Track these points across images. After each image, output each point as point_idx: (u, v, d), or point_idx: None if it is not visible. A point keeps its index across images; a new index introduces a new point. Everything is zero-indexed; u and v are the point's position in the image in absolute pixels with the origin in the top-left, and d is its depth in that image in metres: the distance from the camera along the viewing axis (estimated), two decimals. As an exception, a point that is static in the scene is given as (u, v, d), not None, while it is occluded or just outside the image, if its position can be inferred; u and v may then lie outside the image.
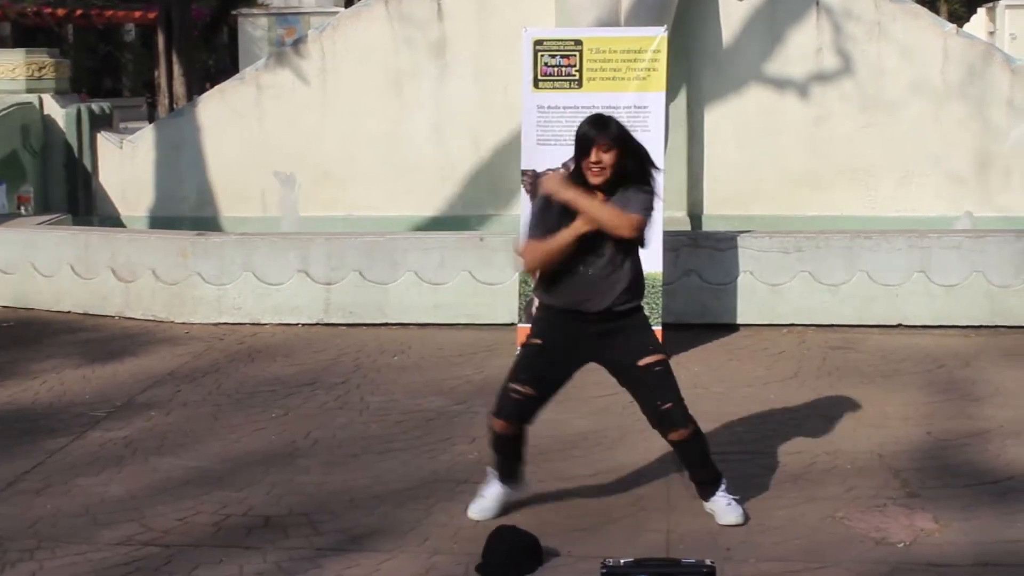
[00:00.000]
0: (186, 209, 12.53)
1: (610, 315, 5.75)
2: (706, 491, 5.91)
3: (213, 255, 10.04)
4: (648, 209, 5.70)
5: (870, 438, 6.95)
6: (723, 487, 5.91)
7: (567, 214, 5.65)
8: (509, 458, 5.93)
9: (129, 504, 6.12)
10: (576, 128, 5.74)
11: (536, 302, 6.03)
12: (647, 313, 8.77)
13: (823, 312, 9.61)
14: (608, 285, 5.74)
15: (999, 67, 11.59)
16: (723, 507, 5.84)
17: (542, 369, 5.84)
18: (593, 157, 5.61)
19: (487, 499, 5.95)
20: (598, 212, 5.61)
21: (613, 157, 5.62)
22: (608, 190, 5.66)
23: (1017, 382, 8.08)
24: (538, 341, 5.86)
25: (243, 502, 6.13)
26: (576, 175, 5.72)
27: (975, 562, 5.31)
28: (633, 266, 5.80)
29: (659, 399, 5.78)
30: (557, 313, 5.82)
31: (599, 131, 5.63)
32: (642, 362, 5.77)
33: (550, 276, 5.79)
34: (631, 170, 5.69)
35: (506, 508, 5.92)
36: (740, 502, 5.90)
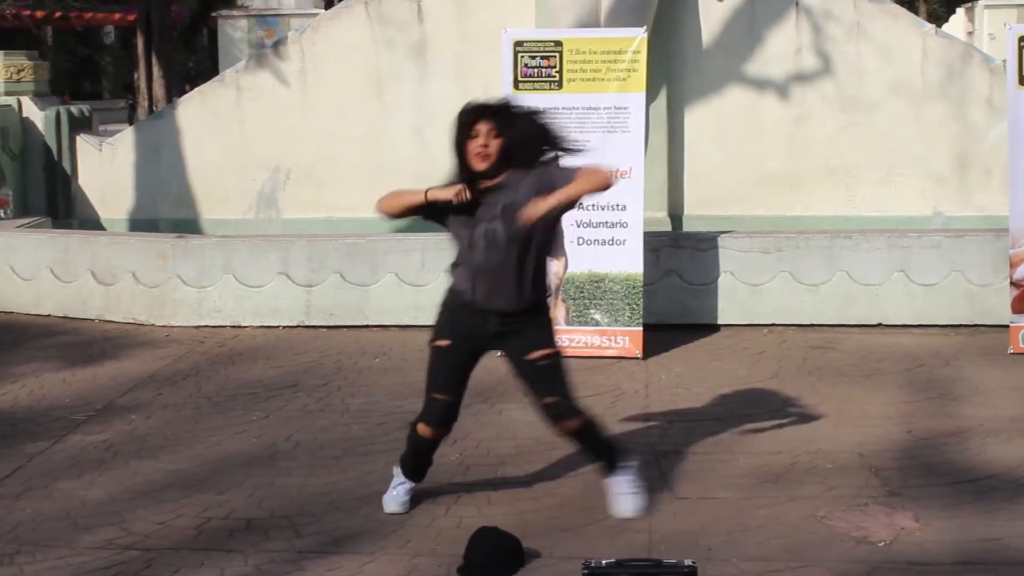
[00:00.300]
0: (166, 212, 12.50)
1: (514, 314, 5.77)
2: (607, 475, 6.00)
3: (193, 257, 10.02)
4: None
5: (851, 437, 6.97)
6: (626, 475, 5.95)
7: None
8: (422, 460, 6.06)
9: (109, 508, 6.10)
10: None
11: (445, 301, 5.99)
12: (629, 315, 8.84)
13: (804, 312, 9.63)
14: (520, 283, 5.72)
15: (978, 67, 11.63)
16: (620, 496, 5.91)
17: (454, 372, 5.90)
18: (482, 140, 5.58)
19: (400, 494, 6.02)
20: (575, 189, 5.50)
21: (498, 140, 5.58)
22: (492, 175, 5.62)
23: (996, 381, 8.11)
24: (447, 343, 5.87)
25: (224, 505, 6.11)
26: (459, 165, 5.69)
27: (955, 560, 5.32)
28: (539, 261, 5.77)
29: (543, 393, 5.83)
30: (458, 309, 5.82)
31: (479, 113, 5.61)
32: (530, 356, 5.80)
33: (464, 270, 5.78)
34: (517, 150, 5.62)
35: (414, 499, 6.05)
36: (642, 492, 5.96)
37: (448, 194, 5.64)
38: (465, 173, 5.69)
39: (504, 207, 5.62)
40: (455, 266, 5.87)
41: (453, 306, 5.89)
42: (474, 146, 5.62)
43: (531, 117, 5.73)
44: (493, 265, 5.69)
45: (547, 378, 5.82)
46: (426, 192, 5.72)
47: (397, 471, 6.10)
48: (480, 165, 5.63)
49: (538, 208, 5.46)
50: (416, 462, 6.07)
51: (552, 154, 5.75)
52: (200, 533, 5.79)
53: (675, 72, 11.71)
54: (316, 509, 6.04)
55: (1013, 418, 7.28)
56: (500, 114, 5.67)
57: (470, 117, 5.65)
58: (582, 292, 8.92)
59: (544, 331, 5.87)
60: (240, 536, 5.74)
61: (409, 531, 5.75)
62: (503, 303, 5.74)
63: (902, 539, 5.56)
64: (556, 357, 5.86)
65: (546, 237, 5.78)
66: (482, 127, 5.61)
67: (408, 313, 9.81)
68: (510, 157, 5.63)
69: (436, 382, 5.91)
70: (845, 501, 6.02)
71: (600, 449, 6.01)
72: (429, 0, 12.09)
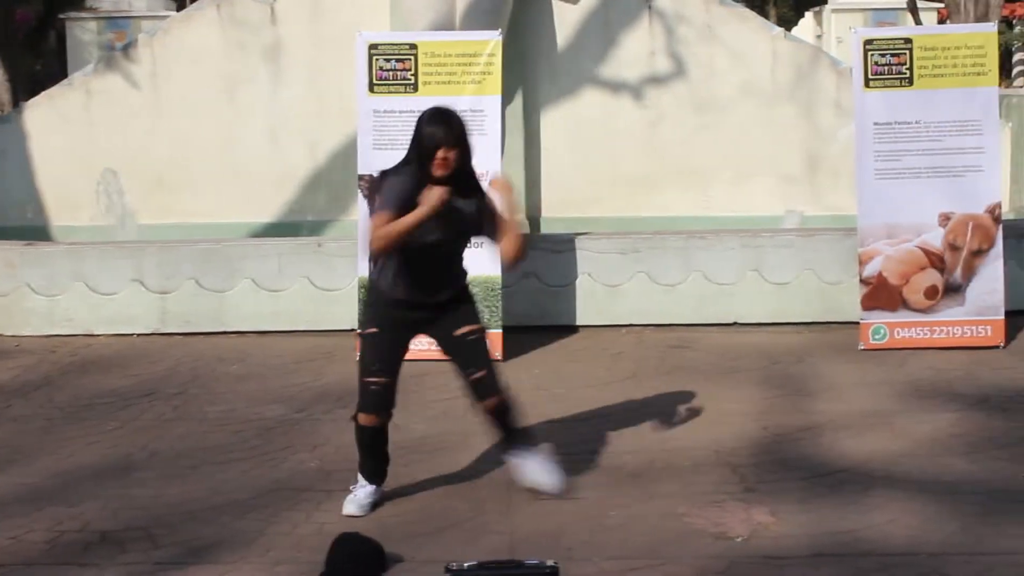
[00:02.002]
0: (13, 218, 12.18)
1: (447, 301, 6.01)
2: (510, 449, 6.20)
3: (43, 265, 9.80)
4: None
5: (708, 435, 7.06)
6: (541, 453, 6.21)
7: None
8: (376, 456, 6.11)
9: (-43, 524, 5.93)
10: (418, 122, 5.82)
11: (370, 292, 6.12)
12: (488, 316, 8.84)
13: (660, 312, 9.74)
14: (451, 275, 6.02)
15: (826, 70, 11.87)
16: (537, 472, 6.13)
17: (387, 355, 6.00)
18: (440, 155, 5.70)
19: (360, 497, 6.05)
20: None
21: (456, 155, 5.74)
22: (448, 182, 5.74)
23: (848, 376, 8.29)
24: (375, 330, 6.01)
25: (78, 518, 5.98)
26: (420, 169, 5.75)
27: (811, 553, 5.42)
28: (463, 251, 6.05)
29: (471, 367, 6.04)
30: (392, 302, 5.95)
31: (446, 131, 5.73)
32: (458, 332, 6.02)
33: (394, 269, 5.87)
34: (467, 164, 5.87)
35: (375, 505, 6.05)
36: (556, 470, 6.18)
37: (437, 198, 5.69)
38: (425, 179, 5.76)
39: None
40: (376, 263, 5.95)
41: (379, 302, 6.01)
42: (439, 157, 5.72)
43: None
44: (434, 268, 5.92)
45: (475, 353, 6.03)
46: (422, 207, 5.68)
47: (359, 477, 6.12)
48: (440, 173, 5.73)
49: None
50: (372, 460, 6.10)
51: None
52: (53, 547, 5.65)
53: (531, 75, 11.76)
54: (173, 519, 5.94)
55: (864, 413, 7.44)
56: (458, 131, 5.80)
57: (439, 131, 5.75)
58: (441, 295, 8.91)
59: (470, 309, 6.12)
60: (95, 549, 5.62)
61: (269, 539, 5.69)
62: (439, 296, 5.97)
63: (759, 534, 5.64)
64: (482, 333, 6.09)
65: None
66: (448, 140, 5.73)
67: (265, 319, 9.71)
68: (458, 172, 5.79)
69: (369, 367, 6.00)
70: (703, 498, 6.09)
71: (514, 429, 6.18)
72: (282, 2, 11.97)
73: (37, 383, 8.45)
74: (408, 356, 8.32)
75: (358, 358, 6.15)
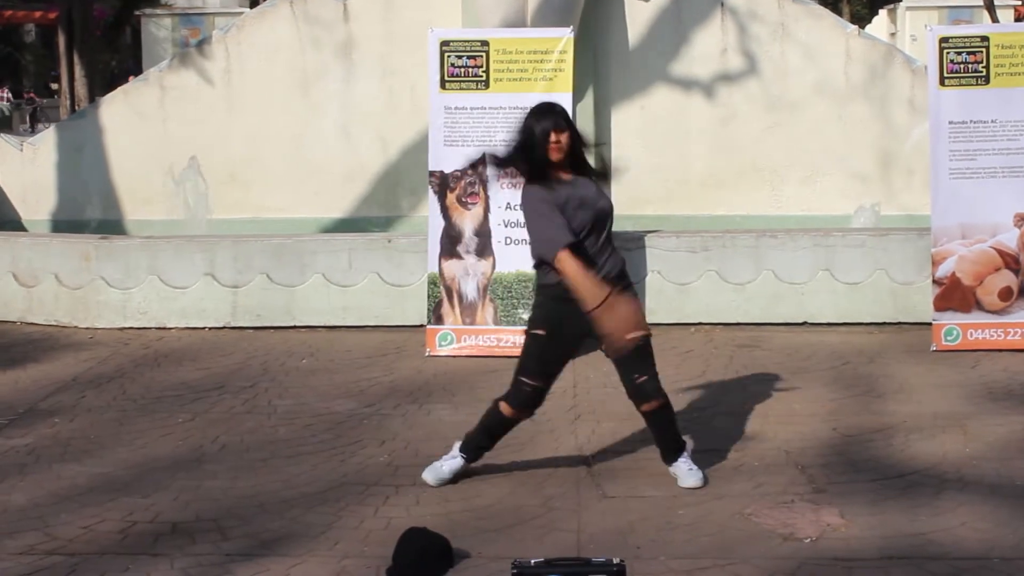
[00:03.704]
0: (90, 212, 12.34)
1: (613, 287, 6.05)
2: (669, 457, 6.31)
3: (117, 259, 9.91)
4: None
5: (777, 435, 7.02)
6: (686, 454, 6.32)
7: (582, 207, 6.02)
8: (491, 440, 6.36)
9: (32, 513, 6.01)
10: (528, 120, 6.11)
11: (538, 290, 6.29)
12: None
13: (730, 311, 9.69)
14: (608, 257, 6.12)
15: (900, 68, 11.75)
16: (684, 471, 6.25)
17: (548, 359, 6.21)
18: (553, 137, 5.99)
19: (445, 471, 6.31)
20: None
21: (568, 137, 6.04)
22: (565, 167, 6.07)
23: (919, 377, 8.21)
24: (541, 332, 6.18)
25: (150, 508, 6.05)
26: (532, 157, 6.04)
27: (880, 556, 5.38)
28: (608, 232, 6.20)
29: (635, 372, 6.16)
30: (555, 298, 6.05)
31: (553, 116, 6.05)
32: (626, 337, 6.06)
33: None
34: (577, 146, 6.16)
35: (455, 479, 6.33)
36: (701, 469, 6.30)
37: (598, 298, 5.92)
38: (541, 162, 6.06)
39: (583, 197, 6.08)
40: (543, 267, 6.12)
41: (550, 298, 6.13)
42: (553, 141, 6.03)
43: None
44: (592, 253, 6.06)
45: (640, 358, 6.16)
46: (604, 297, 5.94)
47: (456, 447, 6.38)
48: (556, 156, 6.04)
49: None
50: (484, 440, 6.35)
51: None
52: (125, 537, 5.72)
53: (602, 72, 11.74)
54: (243, 512, 6.00)
55: (936, 415, 7.37)
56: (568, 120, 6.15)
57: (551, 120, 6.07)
58: (510, 292, 8.93)
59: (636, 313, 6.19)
60: (166, 540, 5.68)
61: (337, 533, 5.72)
62: (603, 275, 6.03)
63: (828, 535, 5.60)
64: (648, 338, 6.20)
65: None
66: (561, 126, 6.05)
67: (335, 314, 9.77)
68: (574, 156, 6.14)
69: (527, 367, 6.23)
70: (772, 498, 6.06)
71: (672, 428, 6.33)
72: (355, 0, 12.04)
73: (110, 375, 8.56)
74: (478, 353, 8.40)
75: (521, 351, 6.33)
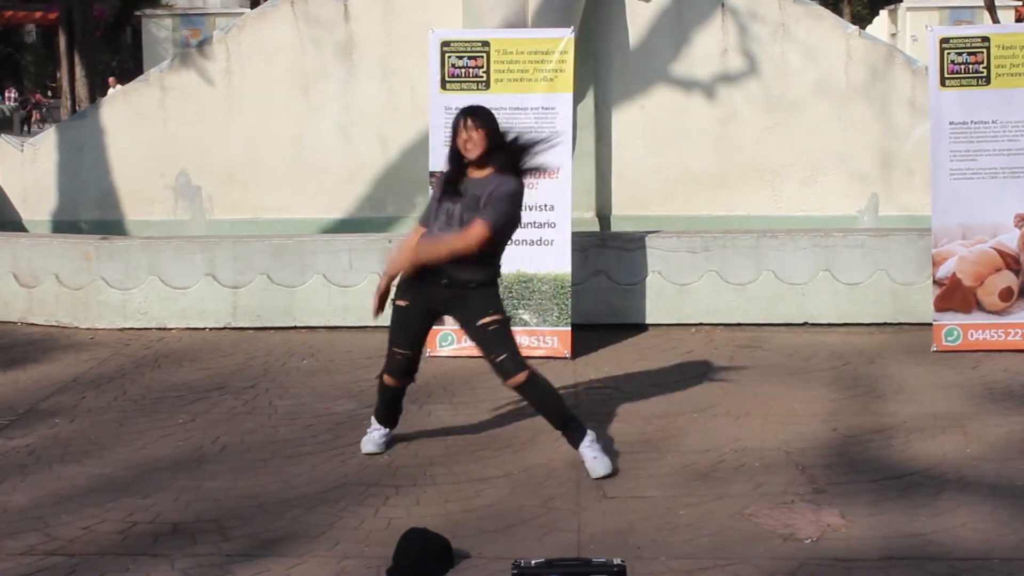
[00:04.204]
0: (90, 213, 12.34)
1: (458, 284, 6.48)
2: (574, 441, 6.53)
3: (118, 259, 9.91)
4: (502, 214, 6.43)
5: (777, 435, 7.02)
6: (590, 440, 6.50)
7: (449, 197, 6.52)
8: (393, 408, 6.89)
9: (32, 513, 6.01)
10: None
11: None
12: (557, 315, 8.86)
13: (730, 311, 9.69)
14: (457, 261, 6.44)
15: (901, 68, 11.75)
16: (589, 458, 6.44)
17: (411, 329, 6.66)
18: (463, 136, 6.44)
19: (377, 436, 6.86)
20: (439, 249, 6.43)
21: (482, 136, 6.44)
22: (480, 163, 6.48)
23: (920, 378, 8.21)
24: (404, 303, 6.63)
25: (150, 509, 6.05)
26: (453, 155, 6.57)
27: (881, 556, 5.37)
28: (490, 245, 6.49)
29: (493, 353, 6.51)
30: (415, 279, 6.56)
31: (467, 114, 6.50)
32: (480, 322, 6.50)
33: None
34: (497, 148, 6.50)
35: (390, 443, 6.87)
36: (608, 453, 6.53)
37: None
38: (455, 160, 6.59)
39: (472, 196, 6.43)
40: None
41: (411, 275, 6.60)
42: (462, 139, 6.49)
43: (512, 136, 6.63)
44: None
45: (497, 340, 6.51)
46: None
47: (372, 420, 6.93)
48: (469, 154, 6.48)
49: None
50: (387, 410, 6.89)
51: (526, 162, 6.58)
52: (125, 538, 5.72)
53: (602, 72, 11.75)
54: (243, 512, 6.00)
55: (936, 415, 7.37)
56: (482, 114, 6.55)
57: (461, 115, 6.54)
58: (510, 292, 8.92)
59: (492, 301, 6.57)
60: (166, 540, 5.68)
61: (338, 533, 5.72)
62: (448, 271, 6.45)
63: (828, 536, 5.60)
64: (504, 322, 6.56)
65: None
66: (469, 123, 6.48)
67: (336, 314, 9.77)
68: (490, 153, 6.48)
69: (396, 339, 6.69)
70: (772, 499, 6.06)
71: (548, 405, 6.57)
72: (356, 0, 12.04)
73: (110, 376, 8.56)
74: (478, 353, 8.41)
75: (390, 325, 6.74)
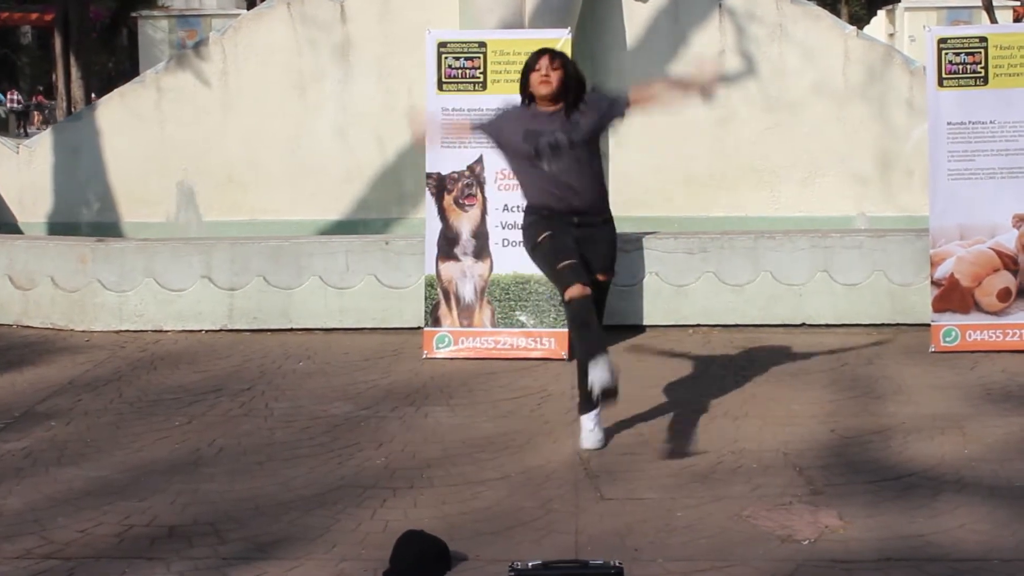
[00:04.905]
0: (86, 215, 12.34)
1: (589, 214, 6.68)
2: (582, 407, 6.84)
3: (114, 261, 9.89)
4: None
5: (775, 436, 7.00)
6: (596, 412, 6.78)
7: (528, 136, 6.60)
8: (596, 343, 6.34)
9: (29, 516, 5.99)
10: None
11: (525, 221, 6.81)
12: (554, 316, 8.85)
13: (728, 312, 9.68)
14: (586, 182, 6.67)
15: (899, 69, 11.75)
16: (586, 430, 6.79)
17: (566, 244, 6.56)
18: (543, 69, 6.60)
19: (596, 429, 6.83)
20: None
21: (560, 73, 6.62)
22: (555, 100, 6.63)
23: (918, 379, 8.19)
24: (547, 233, 6.60)
25: (146, 512, 6.03)
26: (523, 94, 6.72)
27: (879, 557, 5.36)
28: (600, 168, 6.87)
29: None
30: (542, 220, 6.64)
31: (546, 52, 6.70)
32: (600, 278, 6.72)
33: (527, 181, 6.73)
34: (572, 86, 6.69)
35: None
36: (604, 432, 6.84)
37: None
38: (526, 97, 6.73)
39: (564, 124, 6.59)
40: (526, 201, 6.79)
41: (537, 219, 6.67)
42: (536, 75, 6.63)
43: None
44: (561, 169, 6.55)
45: (601, 297, 6.74)
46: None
47: (584, 416, 6.85)
48: (542, 90, 6.62)
49: (644, 92, 6.89)
50: (589, 347, 6.37)
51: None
52: (122, 541, 5.70)
53: (600, 73, 11.72)
54: (240, 515, 5.98)
55: (934, 416, 7.36)
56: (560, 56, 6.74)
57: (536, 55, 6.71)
58: (507, 294, 8.91)
59: (612, 250, 6.77)
60: (163, 543, 5.66)
61: (335, 536, 5.71)
62: (578, 202, 6.59)
63: (826, 537, 5.59)
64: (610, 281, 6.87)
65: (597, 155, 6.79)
66: (544, 61, 6.63)
67: (332, 316, 9.75)
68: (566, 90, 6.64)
69: (557, 256, 6.54)
70: (770, 500, 6.05)
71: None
72: (352, 1, 12.02)
73: (107, 378, 8.54)
74: (476, 355, 8.48)
75: (543, 261, 6.69)
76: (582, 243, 6.59)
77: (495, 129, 6.81)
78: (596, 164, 6.75)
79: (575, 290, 6.39)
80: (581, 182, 6.62)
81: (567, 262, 6.47)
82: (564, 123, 6.59)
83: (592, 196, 6.69)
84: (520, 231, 6.99)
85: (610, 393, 6.22)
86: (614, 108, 6.78)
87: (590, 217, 6.67)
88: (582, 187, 6.62)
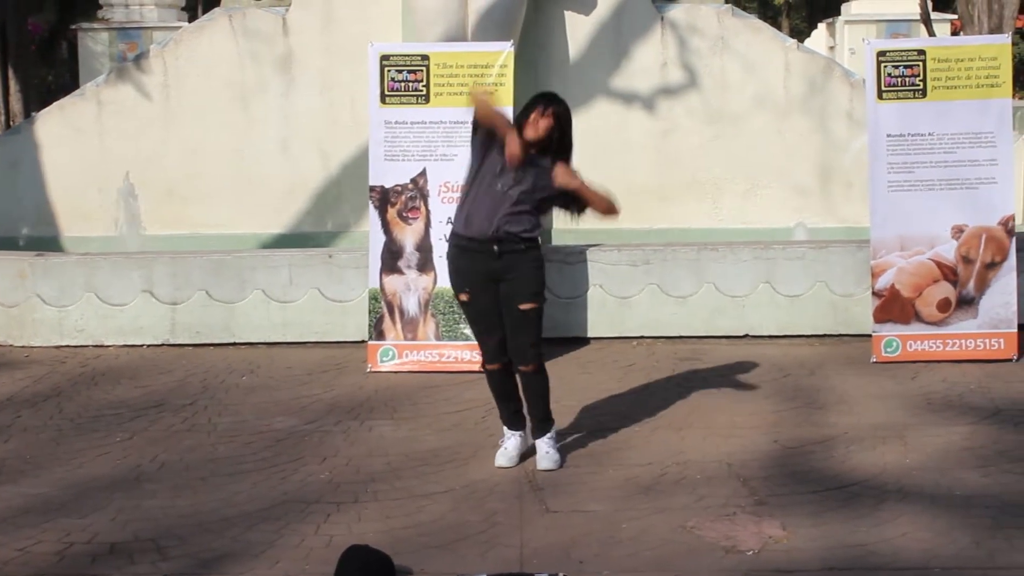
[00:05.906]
0: (25, 229, 12.19)
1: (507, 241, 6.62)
2: (536, 431, 6.84)
3: (54, 276, 9.79)
4: None
5: (719, 447, 7.03)
6: (551, 434, 6.80)
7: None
8: (511, 400, 6.83)
9: (-34, 535, 5.92)
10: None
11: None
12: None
13: (672, 324, 9.71)
14: (505, 213, 6.61)
15: (839, 81, 11.83)
16: (543, 452, 6.74)
17: (486, 309, 6.71)
18: (533, 119, 6.61)
19: (510, 449, 6.81)
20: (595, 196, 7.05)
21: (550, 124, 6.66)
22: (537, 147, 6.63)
23: (860, 389, 8.25)
24: (466, 291, 6.73)
25: (87, 529, 5.97)
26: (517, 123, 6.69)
27: (822, 567, 5.39)
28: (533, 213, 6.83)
29: (520, 337, 6.70)
30: (460, 253, 6.69)
31: (547, 100, 6.74)
32: (522, 306, 6.64)
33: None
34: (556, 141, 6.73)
35: (523, 456, 6.82)
36: (561, 452, 6.81)
37: (514, 146, 6.45)
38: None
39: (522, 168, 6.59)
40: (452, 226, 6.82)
41: (458, 252, 6.72)
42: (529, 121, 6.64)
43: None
44: (488, 203, 6.58)
45: (527, 326, 6.68)
46: (509, 132, 6.52)
47: (504, 431, 6.92)
48: (531, 135, 6.61)
49: (569, 180, 6.71)
50: (503, 406, 6.86)
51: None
52: (62, 559, 5.64)
53: (542, 86, 11.69)
54: (182, 531, 5.93)
55: (876, 426, 7.41)
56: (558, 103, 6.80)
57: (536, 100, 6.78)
58: (452, 307, 8.89)
59: (536, 280, 6.70)
60: (104, 561, 5.60)
61: (278, 551, 5.67)
62: (496, 230, 6.56)
63: (770, 547, 5.61)
64: (539, 310, 6.73)
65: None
66: (540, 109, 6.69)
67: (275, 330, 9.70)
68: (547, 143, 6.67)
69: (475, 325, 6.84)
70: (714, 511, 6.06)
71: (542, 404, 6.81)
72: (295, 13, 11.97)
73: (47, 394, 8.45)
74: (420, 368, 8.50)
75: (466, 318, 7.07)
76: (505, 272, 6.61)
77: (490, 136, 6.74)
78: (535, 207, 6.76)
79: (491, 366, 6.81)
80: (512, 211, 6.62)
81: (484, 337, 6.77)
82: (524, 167, 6.59)
83: (518, 227, 6.64)
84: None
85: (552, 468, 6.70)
86: (552, 191, 6.77)
87: (511, 244, 6.62)
88: (510, 217, 6.61)
